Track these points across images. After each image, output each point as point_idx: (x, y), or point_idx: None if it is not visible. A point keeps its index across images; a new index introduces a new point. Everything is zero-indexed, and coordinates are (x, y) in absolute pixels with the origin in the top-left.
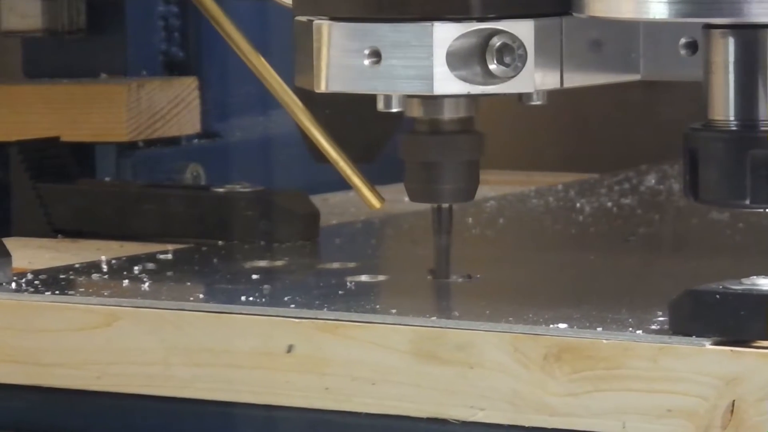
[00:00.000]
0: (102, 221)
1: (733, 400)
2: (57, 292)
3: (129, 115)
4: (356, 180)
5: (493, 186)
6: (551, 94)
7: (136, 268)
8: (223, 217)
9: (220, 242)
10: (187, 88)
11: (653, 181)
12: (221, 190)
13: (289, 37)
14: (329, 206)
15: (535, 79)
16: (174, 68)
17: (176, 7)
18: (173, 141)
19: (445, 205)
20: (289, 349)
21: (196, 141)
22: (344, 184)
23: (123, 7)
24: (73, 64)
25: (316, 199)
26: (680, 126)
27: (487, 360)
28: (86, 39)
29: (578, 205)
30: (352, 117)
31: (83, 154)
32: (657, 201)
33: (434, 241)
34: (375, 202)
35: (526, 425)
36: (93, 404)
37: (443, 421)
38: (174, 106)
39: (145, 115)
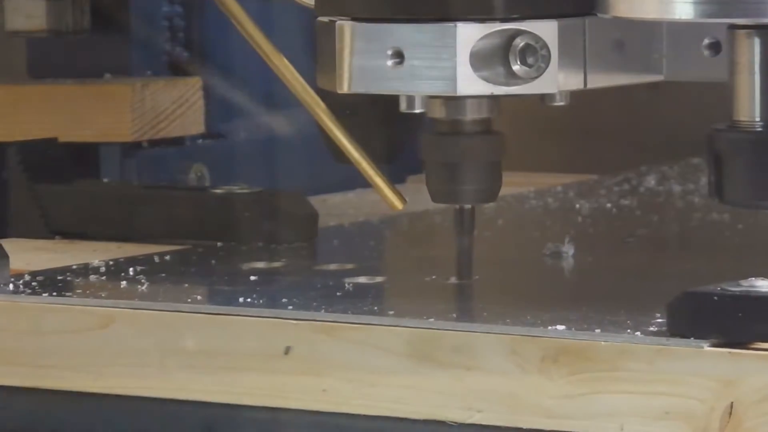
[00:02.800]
0: (99, 222)
1: (731, 402)
2: (54, 293)
3: (133, 115)
4: (378, 180)
5: None
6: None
7: (133, 269)
8: (222, 219)
9: (218, 243)
10: (192, 88)
11: (653, 182)
12: (219, 191)
13: (295, 37)
14: (328, 207)
15: (558, 80)
16: (178, 68)
17: (180, 7)
18: (177, 141)
19: (468, 206)
20: (287, 350)
21: (200, 141)
22: (344, 185)
23: (127, 8)
24: (77, 64)
25: (315, 200)
26: (682, 127)
27: (484, 362)
28: (90, 39)
29: (577, 206)
30: (372, 117)
31: (87, 155)
32: (656, 202)
33: (456, 242)
34: (397, 203)
35: (524, 427)
36: (90, 406)
37: (441, 423)
38: (178, 107)
39: (149, 116)
